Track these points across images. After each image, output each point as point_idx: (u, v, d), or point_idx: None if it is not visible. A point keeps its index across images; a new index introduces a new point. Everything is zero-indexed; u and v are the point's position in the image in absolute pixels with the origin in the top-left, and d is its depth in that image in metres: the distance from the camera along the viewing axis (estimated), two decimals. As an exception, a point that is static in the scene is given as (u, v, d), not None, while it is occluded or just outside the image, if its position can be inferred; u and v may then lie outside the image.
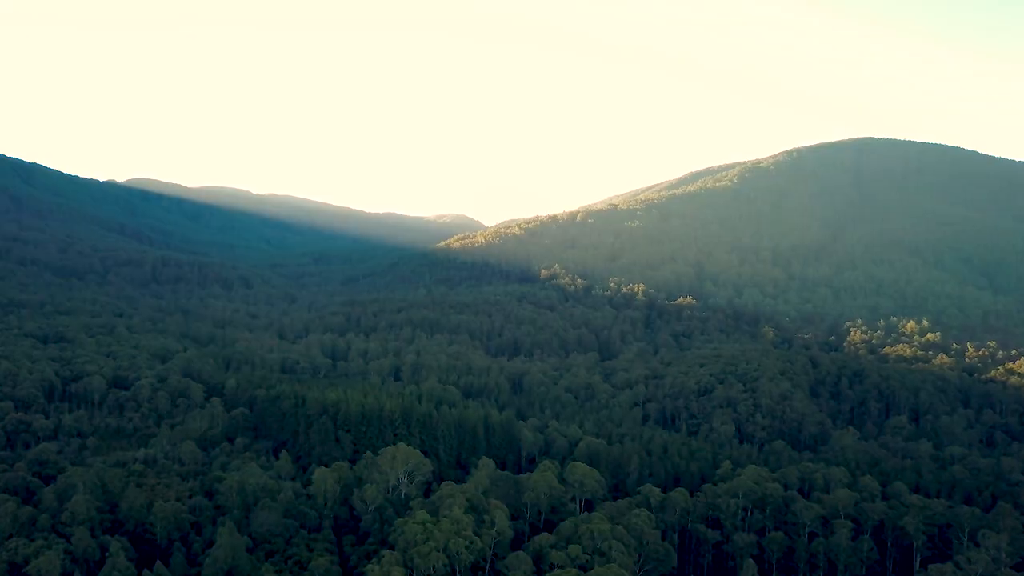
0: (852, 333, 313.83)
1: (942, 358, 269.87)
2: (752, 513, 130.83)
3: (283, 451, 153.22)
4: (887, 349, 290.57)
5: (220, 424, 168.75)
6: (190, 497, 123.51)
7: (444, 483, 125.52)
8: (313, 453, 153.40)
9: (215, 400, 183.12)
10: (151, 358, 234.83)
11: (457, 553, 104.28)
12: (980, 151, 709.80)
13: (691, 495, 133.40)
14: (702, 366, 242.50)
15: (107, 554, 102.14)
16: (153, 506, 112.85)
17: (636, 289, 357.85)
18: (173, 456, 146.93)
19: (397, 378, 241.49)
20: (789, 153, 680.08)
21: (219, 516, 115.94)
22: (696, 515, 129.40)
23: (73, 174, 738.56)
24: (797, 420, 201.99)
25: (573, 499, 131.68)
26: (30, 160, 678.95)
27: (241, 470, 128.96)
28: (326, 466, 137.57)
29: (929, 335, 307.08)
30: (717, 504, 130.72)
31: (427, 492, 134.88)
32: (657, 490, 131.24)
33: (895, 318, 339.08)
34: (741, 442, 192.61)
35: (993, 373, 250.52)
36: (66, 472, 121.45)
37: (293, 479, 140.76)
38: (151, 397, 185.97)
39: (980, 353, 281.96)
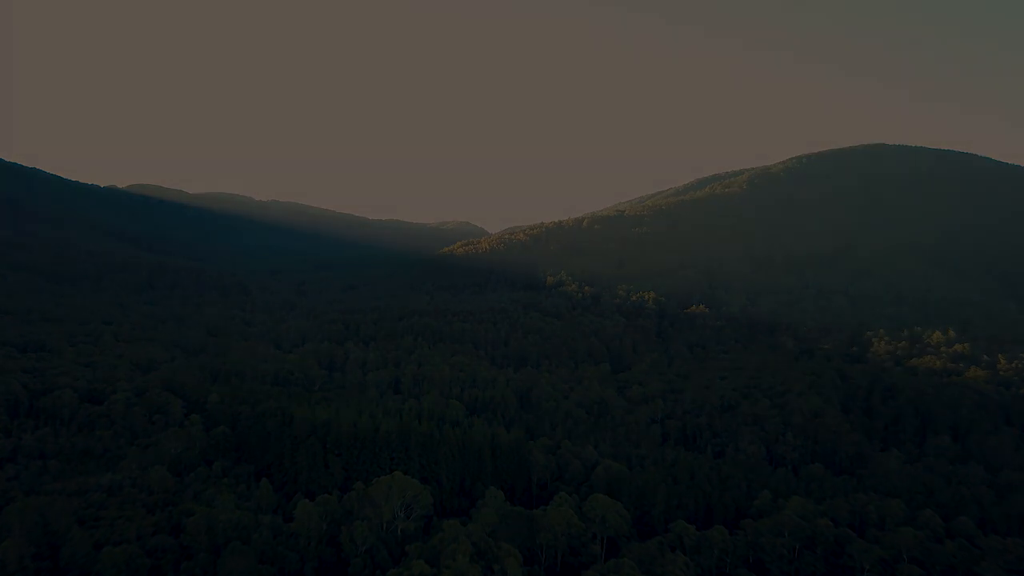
0: (876, 343, 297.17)
1: (975, 371, 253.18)
2: (801, 554, 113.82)
3: (264, 479, 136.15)
4: (914, 361, 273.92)
5: (198, 445, 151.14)
6: (153, 535, 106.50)
7: (446, 521, 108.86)
8: (299, 480, 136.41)
9: (194, 417, 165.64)
10: (132, 369, 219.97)
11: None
12: (993, 157, 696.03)
13: (730, 532, 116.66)
14: (723, 379, 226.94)
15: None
16: (102, 550, 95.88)
17: (647, 297, 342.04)
18: (141, 483, 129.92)
19: (397, 390, 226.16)
20: (799, 159, 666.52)
21: (184, 561, 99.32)
22: (737, 557, 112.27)
23: (73, 180, 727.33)
24: (831, 440, 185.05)
25: (595, 537, 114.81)
26: (29, 165, 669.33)
27: (213, 503, 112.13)
28: (311, 497, 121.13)
29: (957, 346, 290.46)
30: (760, 544, 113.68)
31: (427, 527, 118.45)
32: (691, 528, 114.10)
33: (919, 328, 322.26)
34: (772, 464, 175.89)
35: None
36: (10, 506, 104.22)
37: (276, 510, 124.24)
38: (125, 413, 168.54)
39: (1014, 365, 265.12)
